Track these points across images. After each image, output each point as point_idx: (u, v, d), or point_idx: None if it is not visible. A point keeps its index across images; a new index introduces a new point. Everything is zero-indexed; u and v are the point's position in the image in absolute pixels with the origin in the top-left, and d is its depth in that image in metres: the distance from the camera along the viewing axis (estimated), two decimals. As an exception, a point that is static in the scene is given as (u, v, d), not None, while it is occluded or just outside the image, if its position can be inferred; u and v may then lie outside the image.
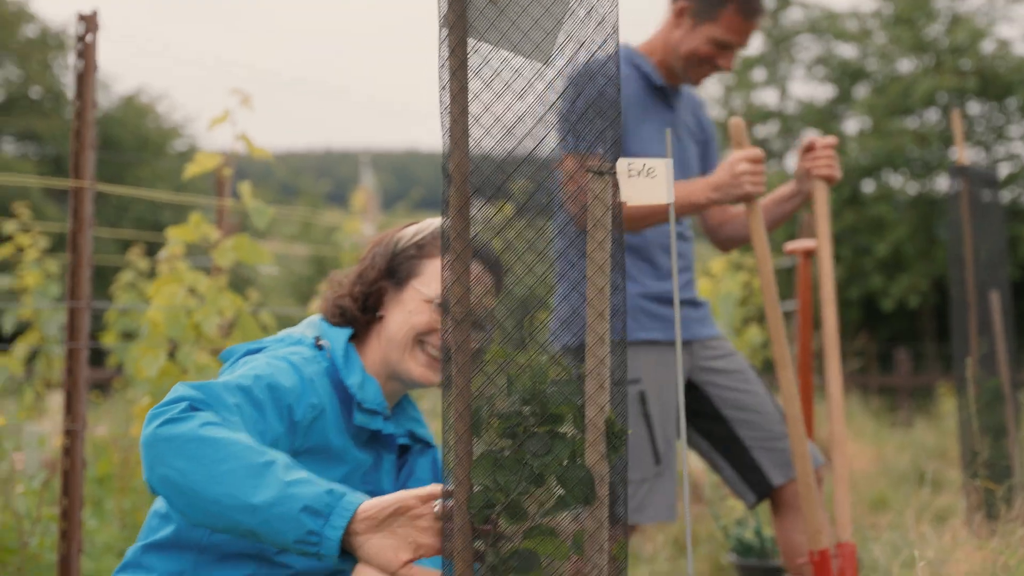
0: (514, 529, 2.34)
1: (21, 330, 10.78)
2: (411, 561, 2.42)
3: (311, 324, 2.99)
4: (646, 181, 2.32)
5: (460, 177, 2.32)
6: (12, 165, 28.71)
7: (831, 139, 4.08)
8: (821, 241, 4.00)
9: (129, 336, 11.54)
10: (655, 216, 4.10)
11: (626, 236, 4.23)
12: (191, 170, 5.35)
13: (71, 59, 5.40)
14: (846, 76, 24.31)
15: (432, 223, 2.99)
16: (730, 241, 4.53)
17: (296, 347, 2.85)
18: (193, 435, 2.41)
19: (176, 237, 5.36)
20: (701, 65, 4.29)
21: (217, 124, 5.43)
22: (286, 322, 16.53)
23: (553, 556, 2.33)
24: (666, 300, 4.31)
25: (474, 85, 2.31)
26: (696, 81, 4.33)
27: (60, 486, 4.72)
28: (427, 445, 3.11)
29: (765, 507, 8.09)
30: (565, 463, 2.31)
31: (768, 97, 25.30)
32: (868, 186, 24.27)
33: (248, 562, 2.75)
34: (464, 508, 2.33)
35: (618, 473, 2.33)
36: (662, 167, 2.33)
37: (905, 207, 23.85)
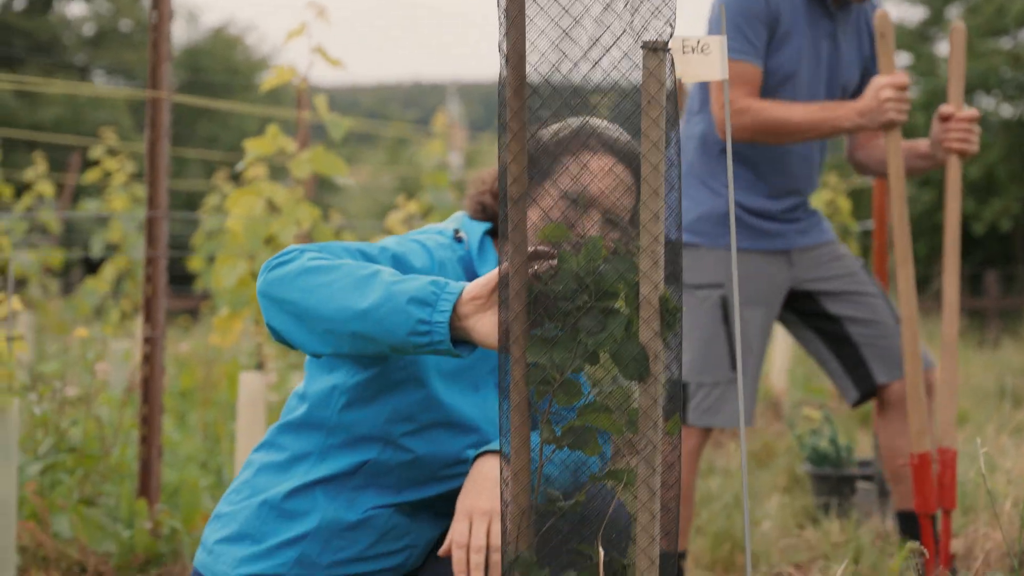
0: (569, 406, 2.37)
1: (109, 253, 10.94)
2: None
3: (454, 219, 3.00)
4: (700, 58, 2.32)
5: (516, 56, 2.33)
6: (103, 100, 29.00)
7: (971, 112, 4.03)
8: (950, 216, 3.91)
9: (211, 260, 11.69)
10: (784, 134, 4.14)
11: (743, 147, 4.27)
12: (269, 82, 5.40)
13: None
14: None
15: (573, 121, 2.84)
16: (863, 166, 4.51)
17: (436, 236, 2.88)
18: (301, 268, 2.53)
19: (253, 149, 5.40)
20: None
21: (293, 37, 5.46)
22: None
23: (608, 431, 2.36)
24: (763, 215, 4.33)
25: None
26: None
27: (140, 393, 4.82)
28: None
29: (841, 418, 8.09)
30: (619, 340, 2.32)
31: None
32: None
33: (372, 445, 2.80)
34: (521, 385, 2.36)
35: (673, 351, 2.34)
36: (716, 44, 2.33)
37: (998, 129, 23.45)
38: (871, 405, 8.28)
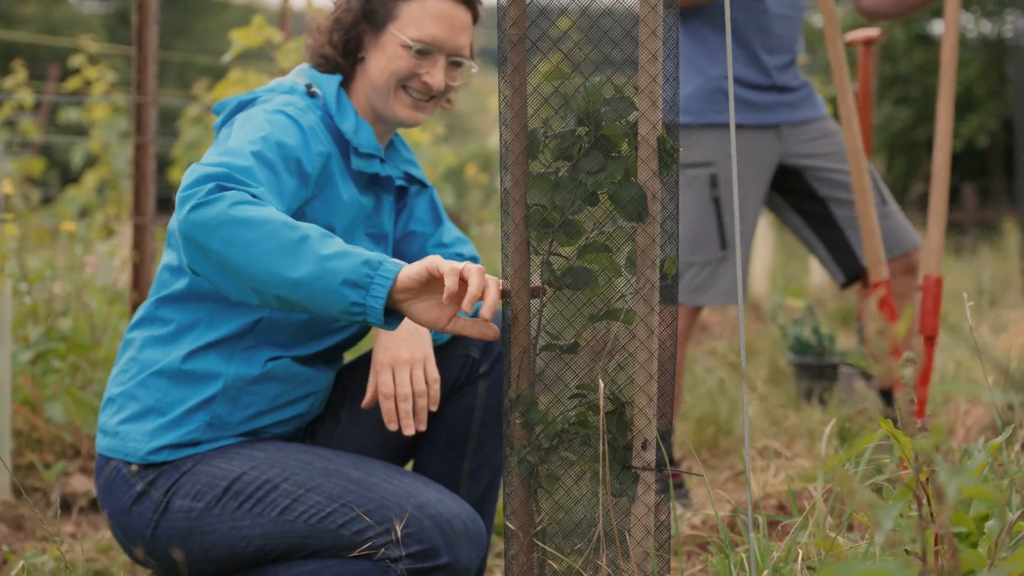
0: (568, 247, 2.40)
1: (90, 163, 10.90)
2: (456, 314, 2.43)
3: (301, 72, 2.98)
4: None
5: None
6: (77, 21, 28.76)
7: None
8: (946, 53, 3.88)
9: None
10: None
11: (716, 13, 4.24)
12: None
13: None
14: None
15: None
16: (875, 12, 4.46)
17: (289, 96, 2.85)
18: (225, 217, 2.40)
19: (239, 39, 5.40)
20: None
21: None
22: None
23: (607, 271, 2.40)
24: (753, 85, 4.29)
25: None
26: None
27: (131, 279, 4.84)
28: (423, 185, 3.13)
29: (822, 314, 8.16)
30: (618, 180, 2.36)
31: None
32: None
33: (260, 307, 2.80)
34: (522, 227, 2.39)
35: (669, 191, 2.38)
36: None
37: (975, 46, 23.46)
38: (850, 304, 8.36)
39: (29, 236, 9.66)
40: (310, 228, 2.43)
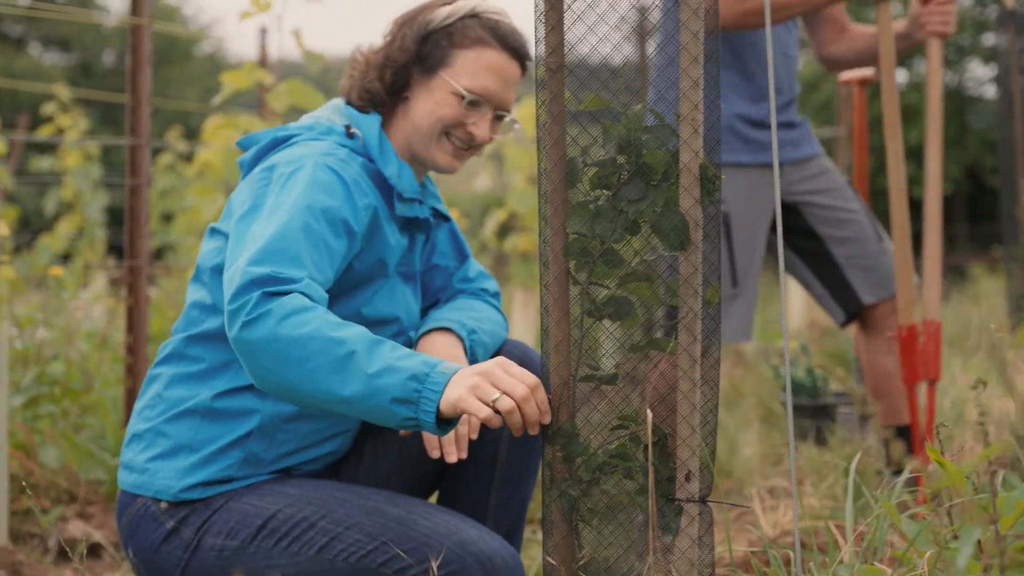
0: (608, 277, 2.38)
1: (63, 212, 10.84)
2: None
3: (336, 110, 2.92)
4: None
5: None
6: (40, 72, 28.68)
7: None
8: (932, 100, 3.90)
9: (168, 219, 11.59)
10: (790, 5, 4.09)
11: (724, 52, 4.21)
12: (246, 14, 5.36)
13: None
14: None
15: (464, 4, 2.88)
16: (837, 62, 4.49)
17: (328, 139, 2.81)
18: (273, 336, 2.41)
19: (230, 82, 5.37)
20: None
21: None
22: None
23: (648, 301, 2.37)
24: (760, 124, 4.27)
25: None
26: None
27: (125, 322, 4.78)
28: (445, 218, 3.10)
29: (824, 348, 8.15)
30: (659, 209, 2.34)
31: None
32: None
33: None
34: (561, 256, 2.37)
35: (711, 219, 2.36)
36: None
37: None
38: (838, 345, 8.36)
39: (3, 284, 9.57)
40: (355, 339, 2.41)
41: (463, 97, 2.84)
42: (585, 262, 2.37)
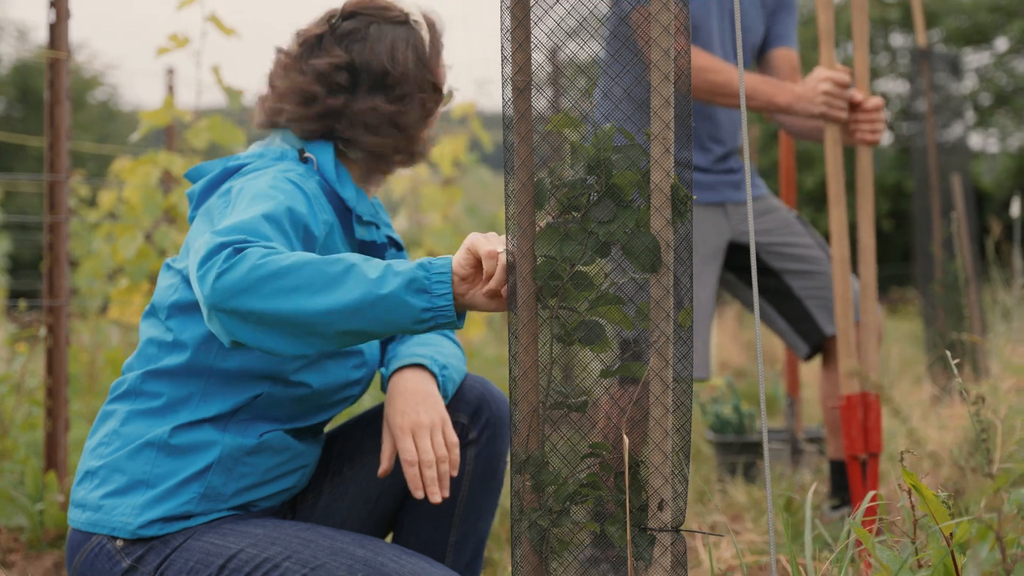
0: (579, 300, 2.31)
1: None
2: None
3: (285, 138, 2.87)
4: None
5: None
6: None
7: (878, 101, 3.97)
8: (862, 206, 3.89)
9: (73, 264, 11.36)
10: (725, 96, 4.11)
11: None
12: (163, 50, 5.27)
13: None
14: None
15: (418, 21, 2.90)
16: (788, 129, 4.50)
17: (283, 163, 2.76)
18: (256, 274, 2.29)
19: (147, 120, 5.27)
20: None
21: (185, 5, 5.33)
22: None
23: (619, 325, 2.31)
24: (699, 168, 4.32)
25: None
26: None
27: (45, 364, 4.64)
28: (398, 247, 3.05)
29: (741, 388, 8.15)
30: (630, 230, 2.28)
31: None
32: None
33: (261, 382, 2.68)
34: (529, 280, 2.30)
35: (682, 239, 2.31)
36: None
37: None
38: (756, 383, 8.36)
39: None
40: (348, 256, 2.34)
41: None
42: (554, 285, 2.30)
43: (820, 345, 4.36)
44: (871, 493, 2.85)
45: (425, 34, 2.85)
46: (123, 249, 5.10)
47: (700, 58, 4.08)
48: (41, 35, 35.31)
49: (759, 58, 4.50)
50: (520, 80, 2.30)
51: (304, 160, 2.79)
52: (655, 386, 2.29)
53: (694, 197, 2.32)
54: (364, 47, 2.81)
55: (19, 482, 4.63)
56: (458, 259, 2.35)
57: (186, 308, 2.67)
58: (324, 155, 2.81)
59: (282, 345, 2.34)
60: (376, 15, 2.85)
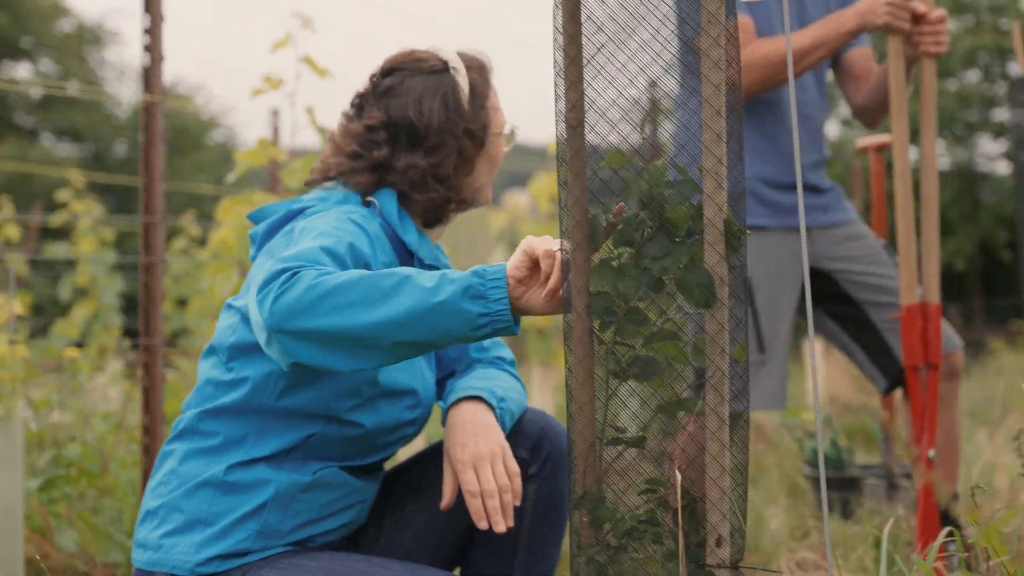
0: (634, 336, 2.32)
1: (77, 297, 10.82)
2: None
3: (341, 182, 2.93)
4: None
5: (570, -18, 2.30)
6: (56, 162, 28.83)
7: (941, 12, 3.91)
8: (926, 124, 3.87)
9: (183, 303, 11.55)
10: (806, 54, 4.04)
11: (748, 114, 4.18)
12: (258, 91, 5.35)
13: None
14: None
15: (456, 65, 2.93)
16: (863, 109, 4.38)
17: (347, 205, 2.81)
18: (311, 295, 2.34)
19: (243, 160, 5.35)
20: None
21: (279, 48, 5.41)
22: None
23: (674, 360, 2.31)
24: (785, 186, 4.22)
25: None
26: None
27: (141, 402, 4.73)
28: None
29: (845, 422, 8.05)
30: (684, 266, 2.28)
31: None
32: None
33: (315, 421, 2.72)
34: (584, 316, 2.31)
35: (738, 274, 2.31)
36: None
37: (947, 172, 23.69)
38: (861, 420, 8.27)
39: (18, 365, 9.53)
40: (403, 269, 2.38)
41: (505, 134, 2.98)
42: (609, 321, 2.31)
43: (900, 379, 4.29)
44: (945, 529, 2.81)
45: (463, 80, 2.88)
46: (219, 288, 5.19)
47: (762, 47, 4.03)
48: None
49: (835, 65, 4.42)
50: (573, 118, 2.32)
51: (367, 204, 2.84)
52: (711, 421, 2.28)
53: (748, 232, 2.32)
54: (399, 103, 2.86)
55: (117, 519, 4.72)
56: (513, 262, 2.38)
57: (245, 349, 2.72)
58: (387, 200, 2.86)
59: (341, 361, 2.38)
60: (412, 68, 2.89)
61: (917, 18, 3.90)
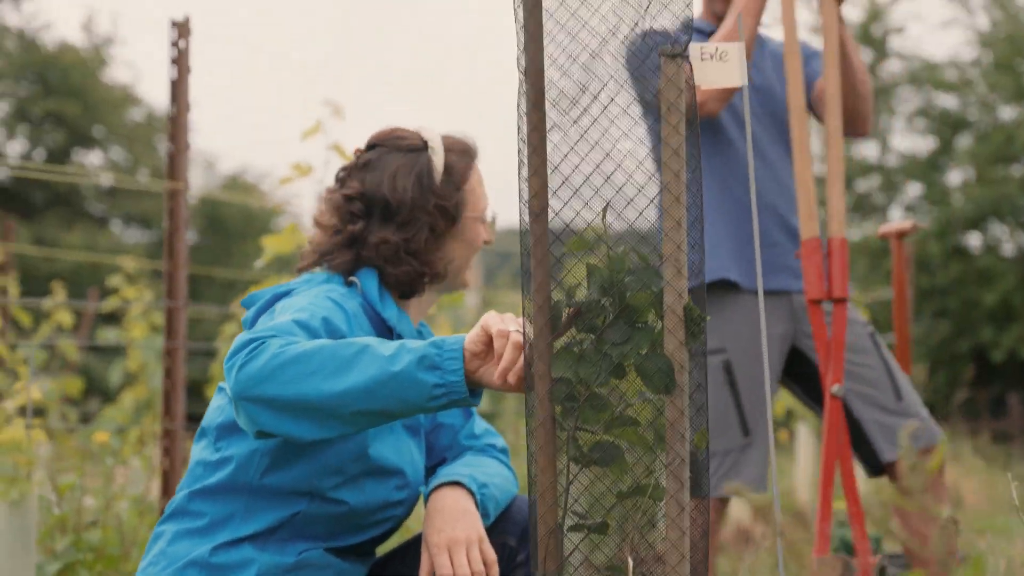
0: (595, 422, 2.32)
1: (129, 382, 10.92)
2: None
3: (328, 275, 2.97)
4: (718, 65, 2.33)
5: (535, 69, 2.33)
6: (121, 249, 29.19)
7: None
8: (826, 59, 3.85)
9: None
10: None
11: (716, 157, 4.16)
12: (285, 180, 5.42)
13: (167, 72, 5.50)
14: (947, 127, 23.99)
15: (435, 145, 2.97)
16: (846, 121, 4.23)
17: (328, 285, 2.86)
18: (275, 362, 2.42)
19: (271, 246, 5.41)
20: None
21: (309, 136, 5.48)
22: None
23: (635, 446, 2.31)
24: (774, 243, 4.15)
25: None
26: (724, 7, 4.23)
27: (160, 486, 4.77)
28: None
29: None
30: (644, 352, 2.29)
31: (869, 151, 25.09)
32: (974, 238, 23.97)
33: (299, 499, 2.75)
34: (546, 402, 2.32)
35: (697, 360, 2.31)
36: (735, 50, 2.33)
37: (1012, 258, 23.47)
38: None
39: (65, 456, 9.62)
40: (363, 339, 2.44)
41: (483, 219, 2.98)
42: (571, 407, 2.32)
43: (879, 471, 4.19)
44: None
45: (439, 159, 2.92)
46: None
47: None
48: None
49: (811, 105, 4.31)
50: (536, 205, 2.34)
51: (349, 284, 2.88)
52: (670, 508, 2.28)
53: (707, 317, 2.32)
54: (375, 177, 2.90)
55: (136, 604, 4.73)
56: (471, 336, 2.42)
57: (231, 428, 2.76)
58: (368, 279, 2.90)
59: (302, 429, 2.45)
60: (391, 144, 2.93)
61: None
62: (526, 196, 2.34)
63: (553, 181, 2.34)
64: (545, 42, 2.33)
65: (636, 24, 2.32)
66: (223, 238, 31.20)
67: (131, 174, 32.13)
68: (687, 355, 2.29)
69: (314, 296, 2.74)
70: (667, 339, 2.28)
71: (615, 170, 2.31)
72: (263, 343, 2.46)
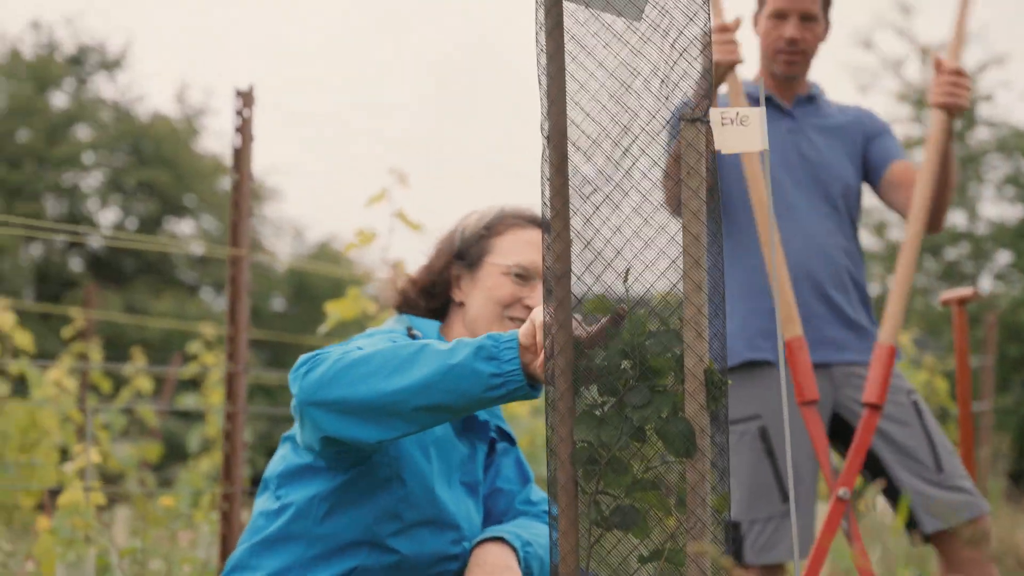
0: (616, 486, 2.32)
1: (207, 448, 11.02)
2: None
3: (398, 320, 3.04)
4: (739, 129, 2.33)
5: (558, 134, 2.35)
6: (210, 316, 29.49)
7: (953, 64, 3.90)
8: (924, 171, 3.87)
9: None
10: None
11: (745, 238, 4.17)
12: (350, 247, 5.47)
13: (232, 139, 5.59)
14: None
15: (493, 206, 3.07)
16: (902, 206, 4.26)
17: (390, 335, 2.89)
18: (337, 367, 2.52)
19: (334, 311, 5.46)
20: (776, 49, 4.22)
21: (374, 203, 5.53)
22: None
23: (655, 510, 2.31)
24: (816, 315, 4.15)
25: (570, 46, 2.35)
26: (787, 69, 4.23)
27: (219, 550, 4.80)
28: (510, 442, 3.14)
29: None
30: (665, 415, 2.28)
31: (958, 219, 24.85)
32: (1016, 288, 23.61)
33: (358, 551, 2.79)
34: (568, 465, 2.32)
35: (719, 424, 2.30)
36: (755, 116, 2.33)
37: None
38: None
39: (144, 520, 9.71)
40: (420, 342, 2.50)
41: (511, 273, 2.97)
42: (592, 470, 2.32)
43: (925, 540, 4.12)
44: None
45: (477, 217, 3.01)
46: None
47: None
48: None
49: (877, 186, 4.31)
50: (559, 268, 2.35)
51: (412, 337, 2.94)
52: (692, 573, 2.26)
53: (729, 382, 2.31)
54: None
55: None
56: (523, 329, 2.45)
57: (291, 475, 2.81)
58: (430, 329, 2.98)
59: (365, 431, 2.51)
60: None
61: (936, 68, 3.93)
62: (550, 260, 2.35)
63: (576, 245, 2.35)
64: (568, 107, 2.35)
65: (661, 87, 2.33)
66: (310, 305, 31.41)
67: (221, 243, 32.49)
68: (708, 418, 2.28)
69: (376, 339, 2.81)
70: (687, 403, 2.27)
71: (633, 235, 2.31)
72: (326, 353, 2.57)
